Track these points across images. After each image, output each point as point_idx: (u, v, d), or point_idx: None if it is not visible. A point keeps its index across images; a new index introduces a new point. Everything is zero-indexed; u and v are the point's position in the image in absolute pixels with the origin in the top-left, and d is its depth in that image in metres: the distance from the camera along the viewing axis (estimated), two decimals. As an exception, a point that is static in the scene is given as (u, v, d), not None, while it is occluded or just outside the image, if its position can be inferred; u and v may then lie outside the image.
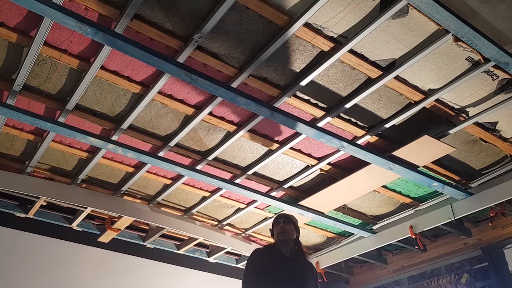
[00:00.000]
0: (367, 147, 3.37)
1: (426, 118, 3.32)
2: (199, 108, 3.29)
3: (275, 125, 3.45)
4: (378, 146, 3.61)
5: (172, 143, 3.59)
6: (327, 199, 4.18)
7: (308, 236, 5.13)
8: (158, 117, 3.39)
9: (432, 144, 3.38)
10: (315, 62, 2.89)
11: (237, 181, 4.01)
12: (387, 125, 3.36)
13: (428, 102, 3.13)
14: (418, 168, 3.59)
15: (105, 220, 4.59)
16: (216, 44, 2.79)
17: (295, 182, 4.12)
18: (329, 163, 3.87)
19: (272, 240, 2.90)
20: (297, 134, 3.50)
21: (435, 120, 3.33)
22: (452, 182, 3.87)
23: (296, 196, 4.33)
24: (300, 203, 4.23)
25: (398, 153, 3.50)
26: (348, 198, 4.21)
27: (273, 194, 4.22)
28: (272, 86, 3.09)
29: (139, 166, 3.93)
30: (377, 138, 3.54)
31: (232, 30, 2.69)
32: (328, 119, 3.30)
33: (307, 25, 2.63)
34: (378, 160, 3.33)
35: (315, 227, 4.86)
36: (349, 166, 3.88)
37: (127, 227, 4.56)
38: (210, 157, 3.76)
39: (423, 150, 3.41)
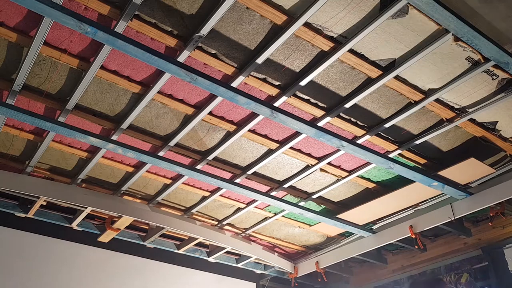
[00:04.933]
0: (368, 147, 3.37)
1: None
2: (199, 107, 3.29)
3: (275, 124, 3.45)
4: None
5: (172, 143, 3.59)
6: (364, 213, 4.38)
7: (308, 235, 5.13)
8: (158, 116, 3.39)
9: (475, 166, 3.59)
10: (315, 61, 2.89)
11: (237, 180, 4.01)
12: (387, 125, 3.36)
13: (428, 102, 3.13)
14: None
15: (105, 220, 4.59)
16: (216, 44, 2.79)
17: (294, 182, 4.13)
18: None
19: None
20: (297, 134, 3.50)
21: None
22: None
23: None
24: (338, 216, 4.42)
25: (444, 172, 3.72)
26: (385, 212, 4.42)
27: (273, 193, 4.22)
28: (272, 85, 3.09)
29: (139, 165, 3.93)
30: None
31: (232, 30, 2.69)
32: (328, 118, 3.30)
33: (307, 25, 2.63)
34: (378, 159, 3.34)
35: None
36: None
37: (127, 227, 4.56)
38: (210, 157, 3.77)
39: (467, 171, 3.66)
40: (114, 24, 2.60)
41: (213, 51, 2.84)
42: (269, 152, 3.74)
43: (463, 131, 3.47)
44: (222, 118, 3.40)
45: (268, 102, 3.11)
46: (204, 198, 4.40)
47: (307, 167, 3.94)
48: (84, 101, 3.24)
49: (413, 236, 4.31)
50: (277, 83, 3.09)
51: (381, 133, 3.51)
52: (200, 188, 4.27)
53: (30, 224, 4.41)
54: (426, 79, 3.00)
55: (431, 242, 5.03)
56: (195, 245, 5.05)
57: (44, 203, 4.18)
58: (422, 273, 5.08)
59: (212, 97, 3.17)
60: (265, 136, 3.59)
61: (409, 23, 2.59)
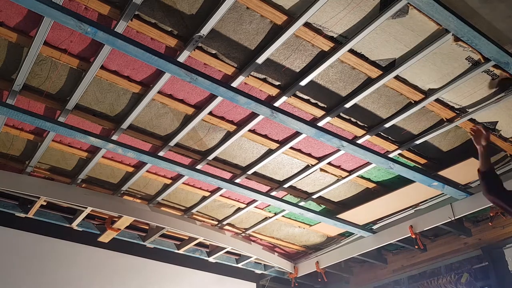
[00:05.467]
0: (368, 147, 3.37)
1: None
2: (199, 107, 3.29)
3: (275, 124, 3.45)
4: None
5: (172, 143, 3.59)
6: (364, 213, 4.37)
7: (308, 235, 5.13)
8: (158, 116, 3.39)
9: (476, 166, 3.53)
10: (315, 61, 2.89)
11: (237, 180, 4.01)
12: (387, 125, 3.36)
13: (428, 102, 3.13)
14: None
15: (105, 220, 4.59)
16: (216, 44, 2.79)
17: (295, 182, 4.13)
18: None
19: None
20: (297, 134, 3.50)
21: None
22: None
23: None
24: (338, 216, 4.42)
25: (444, 172, 3.71)
26: (385, 212, 4.41)
27: (273, 193, 4.22)
28: (272, 85, 3.09)
29: (139, 165, 3.93)
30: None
31: (232, 30, 2.69)
32: (328, 118, 3.30)
33: (307, 25, 2.63)
34: (378, 159, 3.34)
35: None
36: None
37: (127, 227, 4.56)
38: (210, 157, 3.77)
39: (467, 171, 3.64)
40: (114, 24, 2.60)
41: (213, 51, 2.84)
42: (269, 152, 3.74)
43: (463, 131, 3.46)
44: (222, 118, 3.40)
45: (268, 102, 3.11)
46: (204, 198, 4.40)
47: (307, 167, 3.94)
48: (84, 101, 3.24)
49: (413, 236, 4.30)
50: (277, 83, 3.09)
51: (381, 133, 3.51)
52: (200, 188, 4.27)
53: (30, 224, 4.40)
54: (426, 79, 3.00)
55: (431, 242, 5.02)
56: (195, 245, 5.05)
57: (44, 203, 4.18)
58: (422, 273, 5.08)
59: (212, 97, 3.17)
60: (265, 136, 3.60)
61: (409, 23, 2.59)
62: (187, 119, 3.39)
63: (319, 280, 5.33)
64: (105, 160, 3.85)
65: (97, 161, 3.81)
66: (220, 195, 4.32)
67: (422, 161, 3.80)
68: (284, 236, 5.13)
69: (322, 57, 2.85)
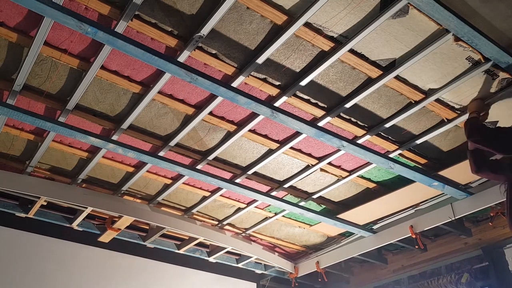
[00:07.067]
0: (368, 147, 3.37)
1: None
2: (199, 107, 3.29)
3: (275, 124, 3.45)
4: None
5: (172, 143, 3.59)
6: (365, 213, 4.37)
7: (308, 235, 5.13)
8: (158, 117, 3.39)
9: None
10: (315, 61, 2.89)
11: (237, 180, 4.01)
12: (387, 125, 3.36)
13: (428, 102, 3.13)
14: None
15: (105, 220, 4.59)
16: (216, 44, 2.79)
17: (295, 182, 4.13)
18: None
19: None
20: (297, 134, 3.50)
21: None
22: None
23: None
24: (338, 215, 4.42)
25: (444, 172, 3.71)
26: (385, 212, 4.41)
27: (273, 193, 4.22)
28: (272, 85, 3.09)
29: (139, 166, 3.93)
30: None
31: (232, 30, 2.69)
32: (328, 118, 3.30)
33: (307, 24, 2.63)
34: (378, 159, 3.34)
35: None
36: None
37: (127, 227, 4.56)
38: (210, 157, 3.77)
39: (468, 170, 3.55)
40: (115, 24, 2.60)
41: (214, 51, 2.84)
42: (270, 152, 3.74)
43: (463, 131, 3.46)
44: (222, 118, 3.40)
45: (269, 102, 3.11)
46: (204, 198, 4.40)
47: (308, 167, 3.94)
48: (85, 101, 3.24)
49: (414, 236, 4.30)
50: (277, 83, 3.09)
51: (382, 133, 3.51)
52: (200, 188, 4.27)
53: (30, 224, 4.40)
54: (426, 79, 3.00)
55: (432, 242, 5.02)
56: (196, 245, 5.05)
57: (45, 203, 4.18)
58: (422, 273, 5.07)
59: (212, 97, 3.17)
60: (265, 136, 3.60)
61: (410, 23, 2.59)
62: (187, 119, 3.39)
63: (319, 280, 5.33)
64: (105, 160, 3.85)
65: (97, 161, 3.81)
66: (220, 195, 4.32)
67: (423, 161, 3.80)
68: (284, 236, 5.13)
69: (322, 57, 2.85)
